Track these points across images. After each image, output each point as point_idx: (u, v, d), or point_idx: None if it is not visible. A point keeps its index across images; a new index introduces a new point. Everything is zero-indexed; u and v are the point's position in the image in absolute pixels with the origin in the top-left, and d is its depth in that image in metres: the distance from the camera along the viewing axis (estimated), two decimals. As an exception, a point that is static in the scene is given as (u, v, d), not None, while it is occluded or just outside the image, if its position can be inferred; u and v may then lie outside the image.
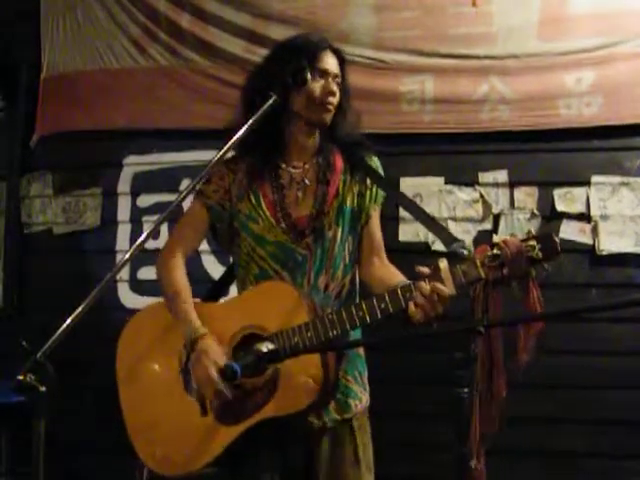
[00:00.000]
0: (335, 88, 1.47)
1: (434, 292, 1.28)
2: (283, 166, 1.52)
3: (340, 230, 1.51)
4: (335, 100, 1.48)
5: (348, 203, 1.53)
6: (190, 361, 1.44)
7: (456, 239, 1.38)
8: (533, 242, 1.25)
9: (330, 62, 1.48)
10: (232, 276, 1.66)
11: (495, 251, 1.26)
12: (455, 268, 1.29)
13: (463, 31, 2.48)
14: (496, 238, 1.28)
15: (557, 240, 1.25)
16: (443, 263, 1.30)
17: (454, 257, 1.31)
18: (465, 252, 1.31)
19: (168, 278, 1.53)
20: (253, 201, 1.51)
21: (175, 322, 1.48)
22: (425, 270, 1.31)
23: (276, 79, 1.42)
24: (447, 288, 1.28)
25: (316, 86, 1.45)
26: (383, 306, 1.32)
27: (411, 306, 1.30)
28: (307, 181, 1.51)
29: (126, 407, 1.52)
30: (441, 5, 2.51)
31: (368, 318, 1.33)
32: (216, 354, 1.39)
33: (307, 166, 1.53)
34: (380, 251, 1.58)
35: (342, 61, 1.51)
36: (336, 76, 1.49)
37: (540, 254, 1.24)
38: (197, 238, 1.59)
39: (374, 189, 1.55)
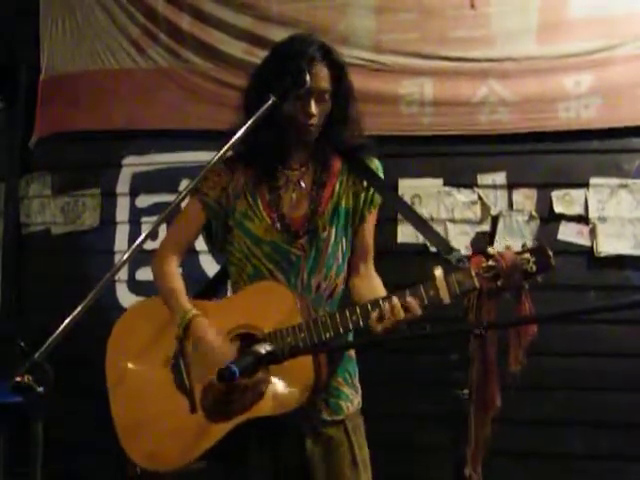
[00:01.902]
0: (314, 109, 1.43)
1: (405, 309, 1.31)
2: (280, 167, 1.53)
3: (334, 230, 1.51)
4: (315, 120, 1.45)
5: (343, 203, 1.53)
6: (182, 355, 1.45)
7: (452, 248, 1.39)
8: (527, 255, 1.28)
9: (318, 77, 1.43)
10: (226, 275, 1.66)
11: (490, 262, 1.29)
12: (450, 277, 1.31)
13: (462, 34, 2.49)
14: (492, 250, 1.30)
15: (551, 254, 1.28)
16: (438, 271, 1.32)
17: (449, 266, 1.33)
18: (461, 262, 1.33)
19: (163, 276, 1.54)
20: (250, 200, 1.52)
21: (166, 318, 1.49)
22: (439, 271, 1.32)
23: (275, 81, 1.41)
24: (442, 298, 1.30)
25: (295, 107, 1.43)
26: (377, 312, 1.34)
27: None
28: (303, 184, 1.52)
29: (115, 405, 1.52)
30: (440, 8, 2.51)
31: (361, 322, 1.35)
32: (213, 333, 1.41)
33: (304, 169, 1.53)
34: (367, 258, 1.57)
35: (339, 67, 1.47)
36: (324, 91, 1.45)
37: (534, 267, 1.27)
38: (193, 235, 1.59)
39: (370, 192, 1.54)
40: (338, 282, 1.53)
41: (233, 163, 1.53)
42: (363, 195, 1.54)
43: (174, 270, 1.54)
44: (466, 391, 1.11)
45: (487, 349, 1.32)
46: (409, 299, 1.32)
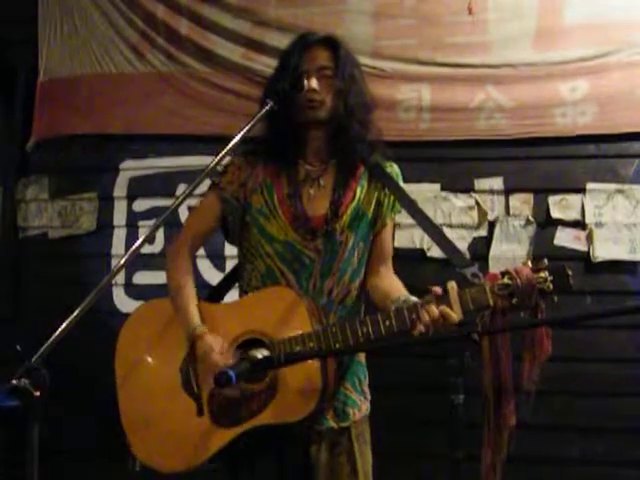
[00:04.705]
0: (314, 84, 1.44)
1: (442, 317, 1.27)
2: (301, 162, 1.52)
3: (353, 236, 1.50)
4: (318, 96, 1.45)
5: (365, 210, 1.51)
6: (190, 361, 1.44)
7: (469, 263, 1.36)
8: (545, 274, 1.24)
9: (314, 57, 1.46)
10: (229, 284, 1.66)
11: (506, 280, 1.25)
12: (464, 292, 1.29)
13: (459, 40, 2.50)
14: (509, 267, 1.27)
15: (570, 273, 1.24)
16: (452, 286, 1.29)
17: (464, 281, 1.31)
18: (476, 278, 1.30)
19: (173, 271, 1.53)
20: (266, 196, 1.51)
21: (176, 318, 1.48)
22: (438, 290, 1.30)
23: (276, 87, 1.43)
24: (455, 313, 1.27)
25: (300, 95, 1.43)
26: (388, 324, 1.32)
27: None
28: (322, 181, 1.50)
29: (123, 400, 1.51)
30: (438, 14, 2.52)
31: (372, 335, 1.33)
32: (217, 354, 1.39)
33: (324, 166, 1.52)
34: (387, 261, 1.57)
35: (337, 48, 1.48)
36: (322, 68, 1.46)
37: (551, 286, 1.24)
38: (208, 229, 1.57)
39: (392, 198, 1.53)
40: (352, 288, 1.51)
41: (254, 158, 1.52)
42: (386, 201, 1.53)
43: (185, 264, 1.53)
44: (462, 396, 1.10)
45: (501, 369, 1.28)
46: (423, 312, 1.29)
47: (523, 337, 1.32)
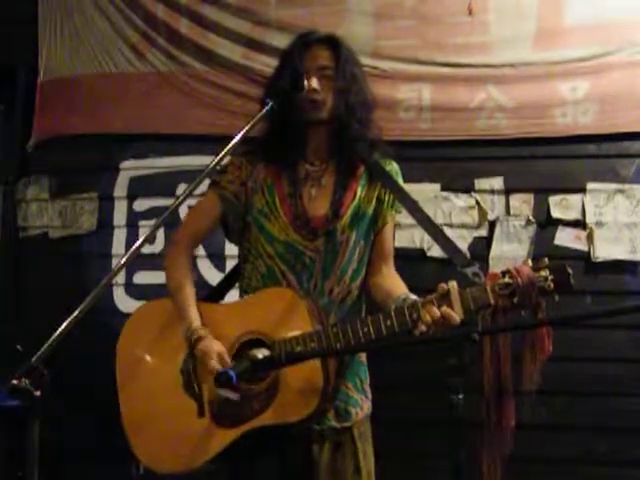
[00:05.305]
0: (315, 84, 1.44)
1: (443, 318, 1.27)
2: (301, 162, 1.52)
3: (354, 235, 1.50)
4: (319, 96, 1.45)
5: (366, 209, 1.51)
6: (191, 362, 1.44)
7: (470, 262, 1.36)
8: (545, 272, 1.24)
9: (315, 56, 1.46)
10: (230, 284, 1.65)
11: (507, 279, 1.25)
12: (465, 292, 1.28)
13: (460, 40, 2.50)
14: (509, 266, 1.26)
15: (570, 272, 1.24)
16: (453, 285, 1.29)
17: (465, 280, 1.30)
18: (477, 277, 1.30)
19: (172, 271, 1.53)
20: (267, 196, 1.51)
21: (177, 318, 1.47)
22: (444, 287, 1.29)
23: (276, 87, 1.43)
24: (456, 312, 1.27)
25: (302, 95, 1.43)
26: (389, 323, 1.31)
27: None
28: (323, 181, 1.51)
29: (124, 402, 1.51)
30: (438, 15, 2.52)
31: (373, 334, 1.32)
32: (217, 355, 1.38)
33: (324, 166, 1.52)
34: (389, 259, 1.57)
35: (337, 47, 1.48)
36: (323, 67, 1.47)
37: (552, 285, 1.23)
38: (207, 228, 1.57)
39: (392, 195, 1.53)
40: (352, 287, 1.51)
41: (254, 158, 1.52)
42: (386, 199, 1.53)
43: (184, 263, 1.53)
44: (461, 396, 1.10)
45: (502, 370, 1.28)
46: (424, 312, 1.29)
47: (523, 337, 1.32)
